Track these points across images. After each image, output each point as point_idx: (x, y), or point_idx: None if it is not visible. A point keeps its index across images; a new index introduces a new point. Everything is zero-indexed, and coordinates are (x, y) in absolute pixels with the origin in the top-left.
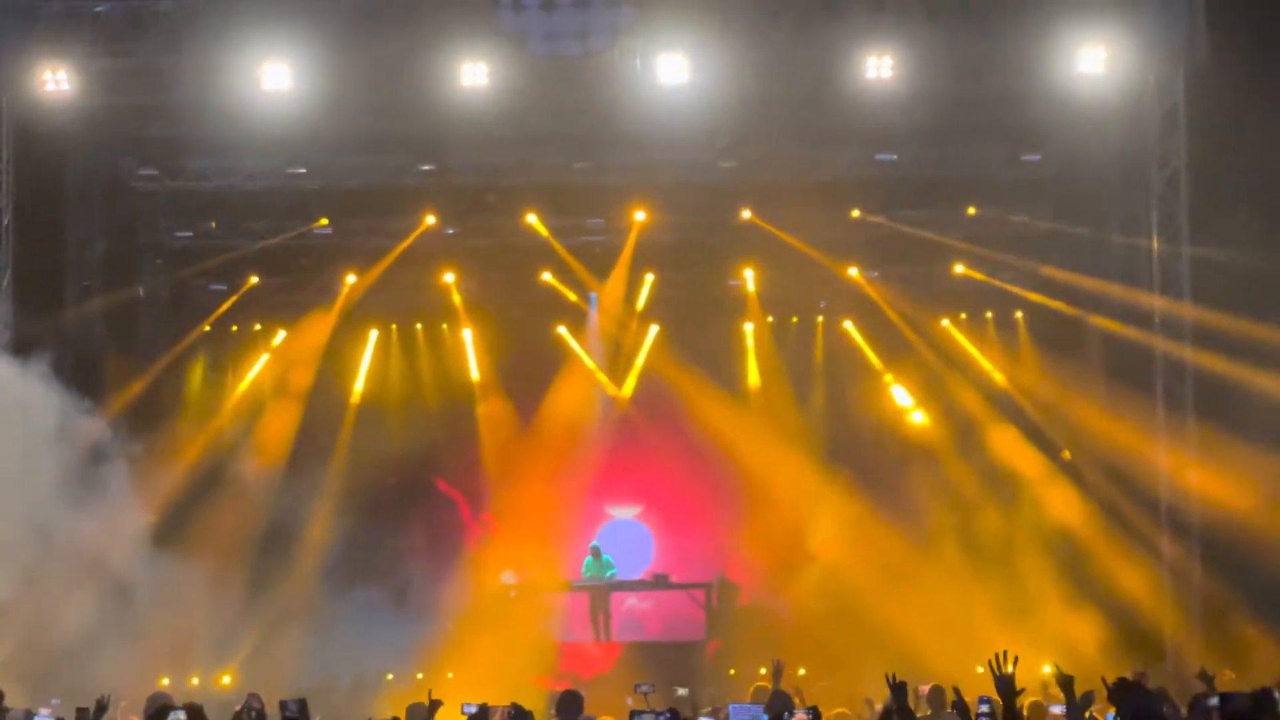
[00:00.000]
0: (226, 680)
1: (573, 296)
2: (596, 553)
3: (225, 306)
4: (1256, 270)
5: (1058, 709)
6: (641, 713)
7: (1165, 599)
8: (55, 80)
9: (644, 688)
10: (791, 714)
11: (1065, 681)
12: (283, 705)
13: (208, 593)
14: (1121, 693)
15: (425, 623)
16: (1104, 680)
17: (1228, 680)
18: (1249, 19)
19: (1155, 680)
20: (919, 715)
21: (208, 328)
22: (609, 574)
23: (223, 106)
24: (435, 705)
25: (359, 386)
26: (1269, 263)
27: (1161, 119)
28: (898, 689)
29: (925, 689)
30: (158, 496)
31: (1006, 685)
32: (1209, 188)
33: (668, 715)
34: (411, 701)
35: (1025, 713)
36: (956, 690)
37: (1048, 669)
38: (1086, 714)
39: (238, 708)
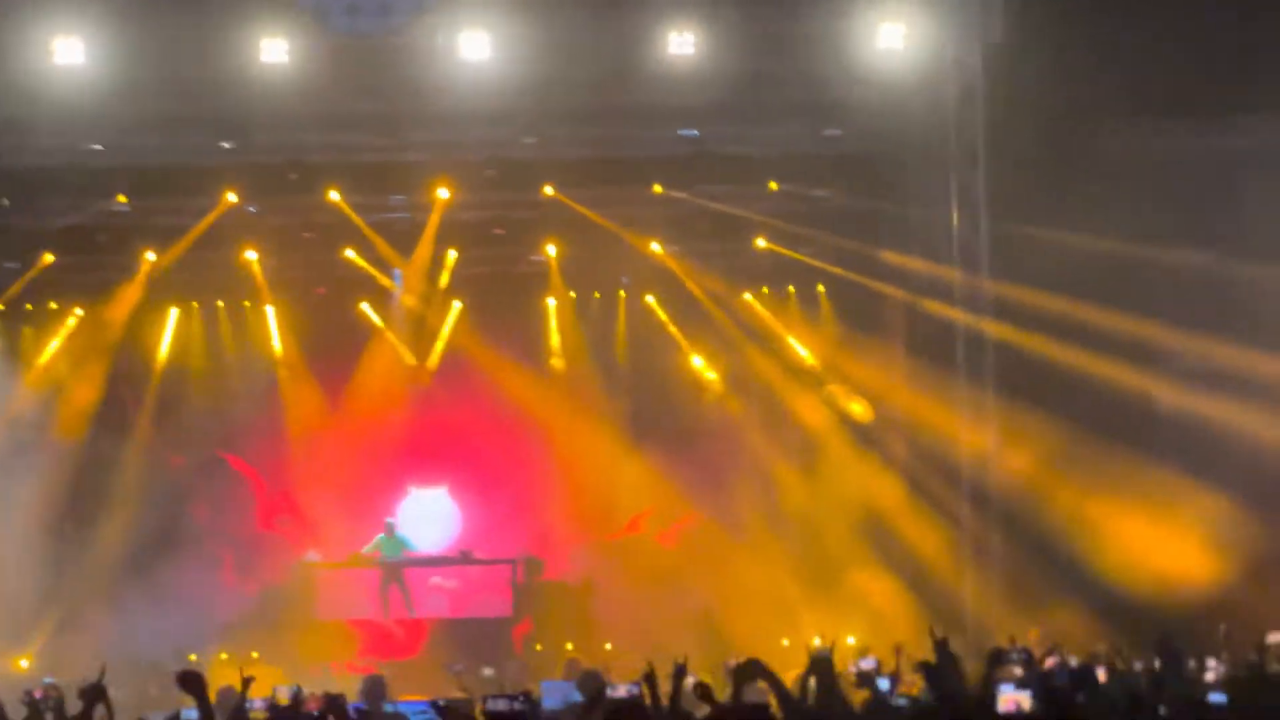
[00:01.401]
0: (24, 664)
1: (376, 273)
2: (390, 529)
3: (18, 285)
4: (1052, 244)
5: (867, 663)
6: (497, 697)
7: (967, 568)
8: None
9: (457, 667)
10: (609, 690)
11: (941, 643)
12: (81, 691)
13: (4, 573)
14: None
15: (229, 602)
16: (897, 650)
17: (1034, 637)
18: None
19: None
20: (724, 692)
21: (0, 307)
22: (402, 550)
23: (11, 82)
24: (248, 683)
25: (159, 364)
26: (1064, 238)
27: (960, 96)
28: (941, 646)
29: (732, 663)
30: None
31: (823, 665)
32: (1006, 163)
33: (522, 699)
34: (220, 683)
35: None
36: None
37: (851, 640)
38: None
39: (36, 693)
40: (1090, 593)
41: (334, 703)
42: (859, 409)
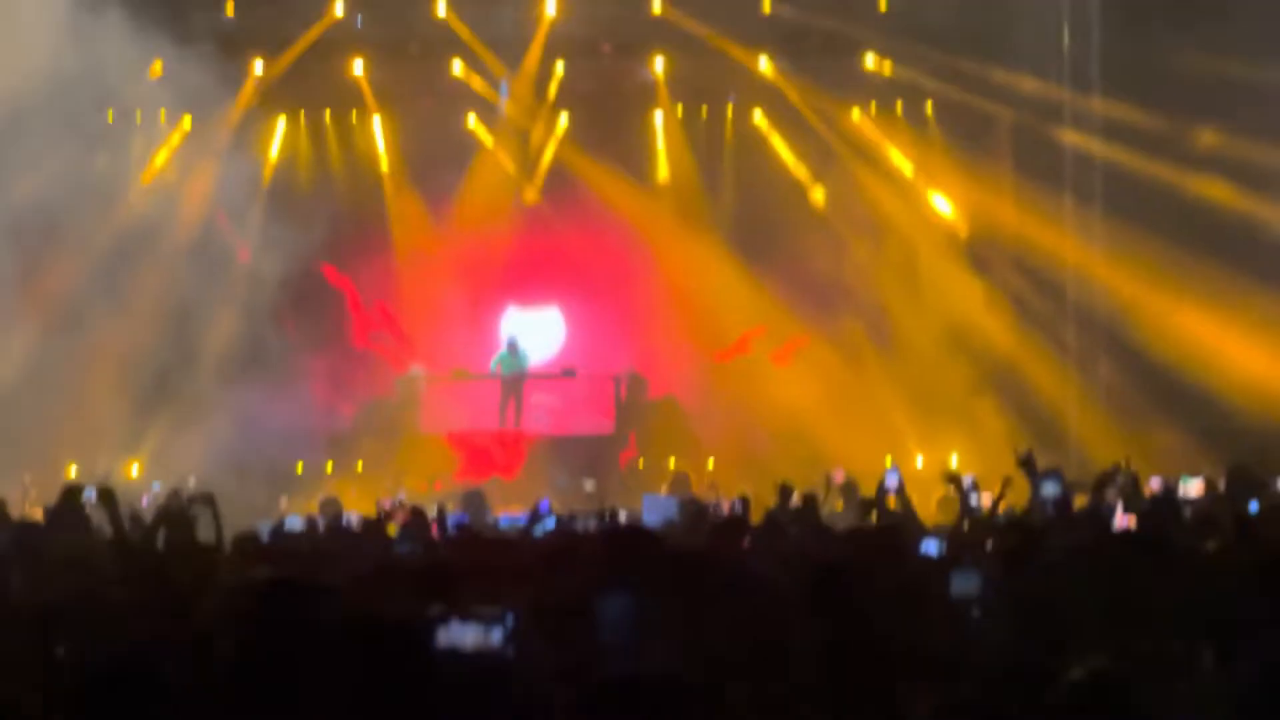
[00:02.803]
0: (135, 471)
1: (483, 86)
2: (513, 346)
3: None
4: (1166, 65)
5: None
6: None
7: (1071, 390)
8: None
9: (559, 482)
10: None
11: (1028, 461)
12: (189, 498)
13: (112, 380)
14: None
15: (329, 414)
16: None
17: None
18: None
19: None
20: (835, 506)
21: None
22: (523, 367)
23: None
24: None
25: (266, 174)
26: (1178, 58)
27: None
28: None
29: (839, 477)
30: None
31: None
32: None
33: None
34: (322, 494)
35: (936, 507)
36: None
37: (955, 461)
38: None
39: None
40: (1196, 414)
41: (420, 516)
42: None
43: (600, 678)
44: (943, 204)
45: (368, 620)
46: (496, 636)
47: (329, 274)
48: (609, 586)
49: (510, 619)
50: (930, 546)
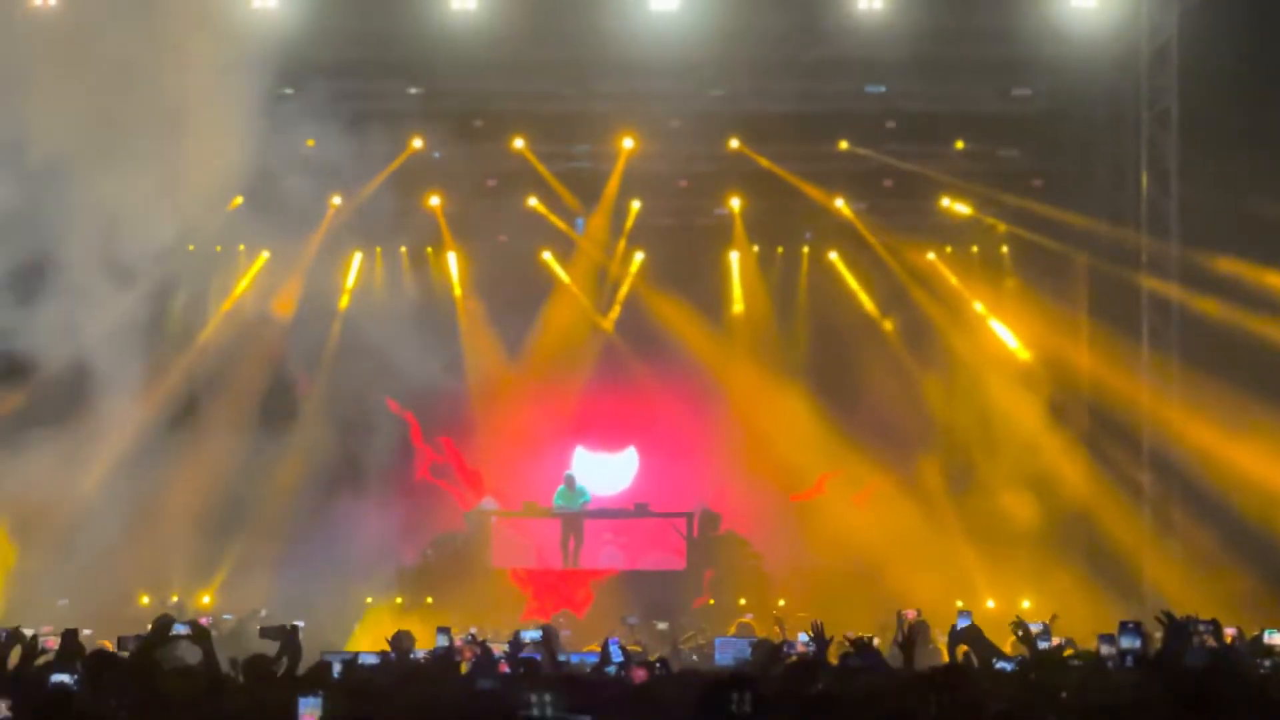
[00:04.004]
0: (206, 600)
1: (559, 222)
2: (570, 481)
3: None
4: (1246, 212)
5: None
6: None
7: (1145, 539)
8: None
9: (631, 620)
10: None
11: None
12: (263, 630)
13: (186, 511)
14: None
15: (400, 547)
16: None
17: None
18: None
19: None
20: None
21: (191, 248)
22: (581, 502)
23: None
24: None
25: (342, 307)
26: (1258, 205)
27: (1152, 56)
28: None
29: (911, 616)
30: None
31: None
32: (1199, 127)
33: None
34: (397, 628)
35: (1009, 649)
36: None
37: (1026, 604)
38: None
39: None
40: (1269, 564)
41: (487, 652)
42: None
43: None
44: (1018, 345)
45: None
46: None
47: (392, 406)
48: None
49: None
50: None
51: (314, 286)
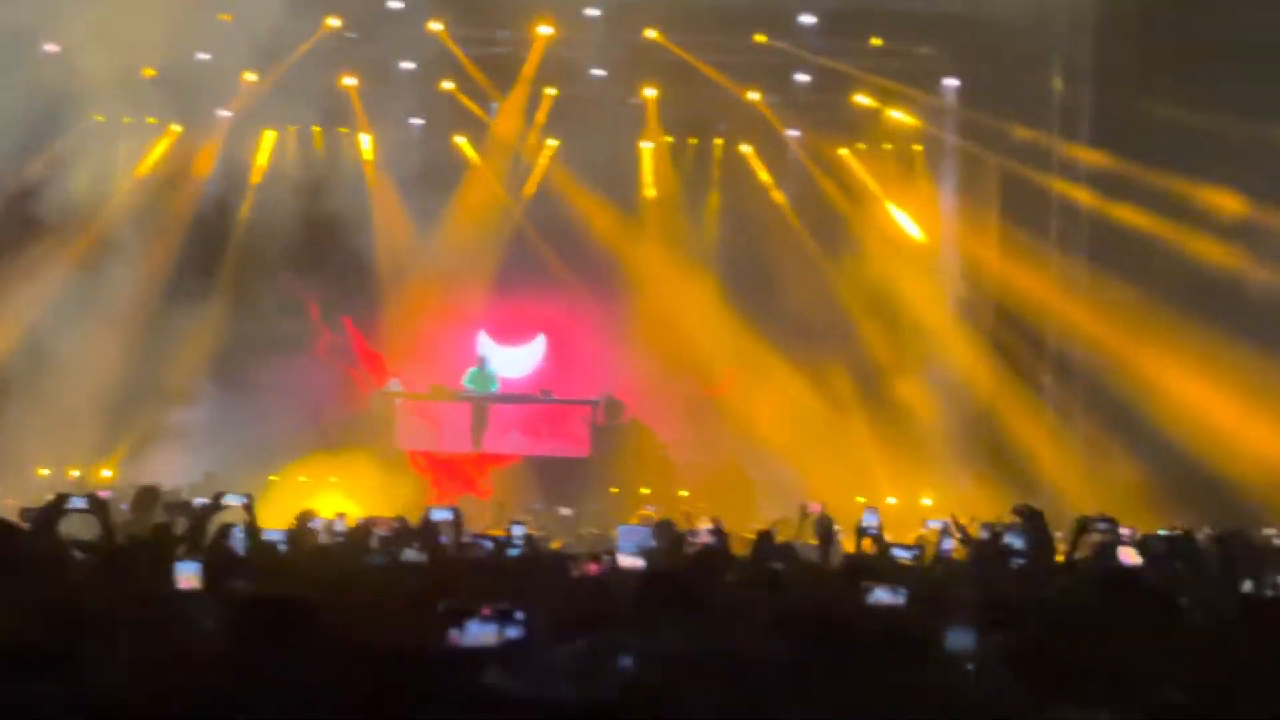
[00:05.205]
0: (106, 474)
1: (474, 107)
2: (483, 363)
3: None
4: (1162, 118)
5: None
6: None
7: (1046, 439)
8: None
9: (534, 506)
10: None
11: (1031, 514)
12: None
13: (87, 384)
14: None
15: (300, 425)
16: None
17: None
18: None
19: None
20: (806, 539)
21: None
22: (492, 388)
23: None
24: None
25: (252, 185)
26: (1166, 111)
27: None
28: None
29: (814, 509)
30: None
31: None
32: (1118, 32)
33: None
34: (299, 506)
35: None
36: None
37: (927, 501)
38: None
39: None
40: (1165, 465)
41: (405, 527)
42: None
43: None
44: (928, 242)
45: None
46: (512, 633)
47: (290, 284)
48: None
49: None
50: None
51: (226, 164)
